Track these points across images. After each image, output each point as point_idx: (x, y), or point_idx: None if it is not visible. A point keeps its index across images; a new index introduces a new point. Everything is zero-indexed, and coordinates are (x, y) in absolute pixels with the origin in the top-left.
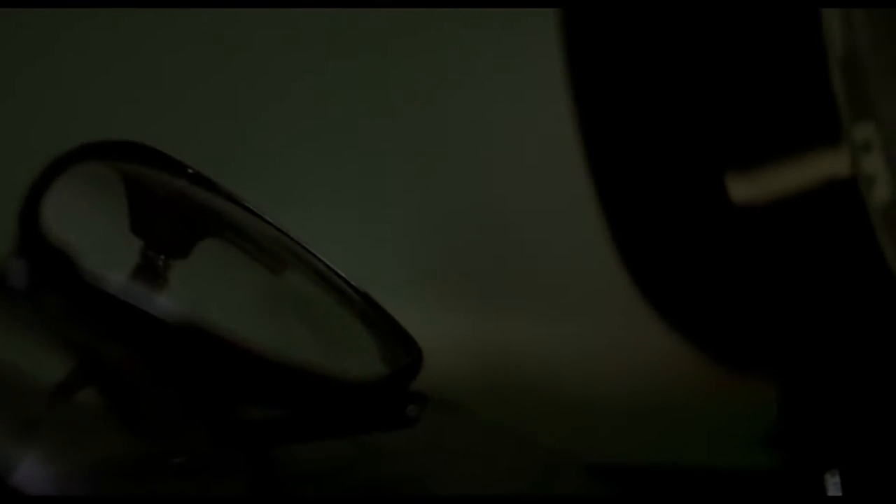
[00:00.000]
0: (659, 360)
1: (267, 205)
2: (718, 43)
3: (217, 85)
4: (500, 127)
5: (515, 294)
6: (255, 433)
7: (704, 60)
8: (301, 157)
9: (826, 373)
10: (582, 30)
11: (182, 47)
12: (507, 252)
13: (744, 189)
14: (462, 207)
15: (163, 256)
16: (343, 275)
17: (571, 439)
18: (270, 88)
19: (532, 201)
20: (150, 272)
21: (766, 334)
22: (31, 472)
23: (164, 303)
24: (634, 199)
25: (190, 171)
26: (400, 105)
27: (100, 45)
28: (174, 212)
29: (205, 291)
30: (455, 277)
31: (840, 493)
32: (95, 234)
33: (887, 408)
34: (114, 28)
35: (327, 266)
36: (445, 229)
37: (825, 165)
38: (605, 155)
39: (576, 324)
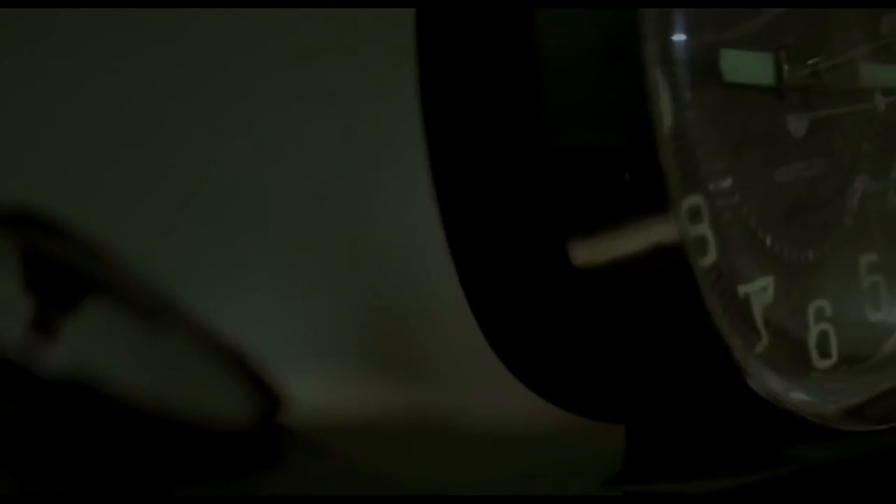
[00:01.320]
0: (523, 412)
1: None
2: (561, 128)
3: (129, 165)
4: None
5: (404, 362)
6: (132, 479)
7: (547, 140)
8: (221, 237)
9: (668, 420)
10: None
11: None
12: (400, 328)
13: (585, 253)
14: (375, 290)
15: (54, 313)
16: (218, 329)
17: (440, 478)
18: (193, 167)
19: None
20: (42, 328)
21: (613, 385)
22: None
23: (53, 357)
24: (486, 266)
25: (78, 236)
26: (315, 194)
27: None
28: (64, 272)
29: (91, 345)
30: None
31: None
32: None
33: (721, 449)
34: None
35: (204, 322)
36: (357, 310)
37: (656, 232)
38: (458, 226)
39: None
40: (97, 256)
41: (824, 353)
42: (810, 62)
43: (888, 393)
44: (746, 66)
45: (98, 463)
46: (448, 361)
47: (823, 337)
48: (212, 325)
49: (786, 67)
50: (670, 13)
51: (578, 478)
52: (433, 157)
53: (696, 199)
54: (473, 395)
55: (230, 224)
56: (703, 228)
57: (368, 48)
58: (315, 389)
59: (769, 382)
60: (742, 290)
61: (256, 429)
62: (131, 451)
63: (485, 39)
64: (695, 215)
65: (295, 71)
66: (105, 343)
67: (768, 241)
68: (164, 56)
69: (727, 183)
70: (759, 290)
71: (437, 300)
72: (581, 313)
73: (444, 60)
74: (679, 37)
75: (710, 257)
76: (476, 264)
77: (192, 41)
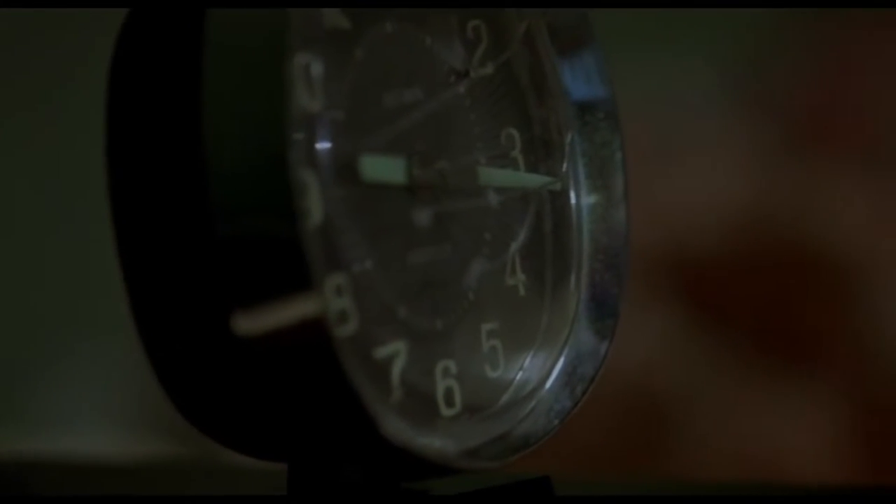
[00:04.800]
0: None
1: None
2: (226, 219)
3: None
4: None
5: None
6: None
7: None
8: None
9: (320, 461)
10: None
11: None
12: None
13: (245, 325)
14: None
15: None
16: None
17: None
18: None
19: None
20: None
21: (274, 431)
22: None
23: None
24: (166, 336)
25: None
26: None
27: None
28: None
29: None
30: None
31: None
32: None
33: (366, 485)
34: None
35: None
36: None
37: (305, 306)
38: (142, 301)
39: None
40: None
41: (450, 404)
42: (437, 165)
43: (502, 436)
44: (382, 168)
45: None
46: None
47: (449, 391)
48: None
49: (416, 170)
50: (316, 124)
51: None
52: (120, 245)
53: (339, 278)
54: None
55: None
56: (345, 302)
57: None
58: (104, 443)
59: (400, 430)
60: (378, 352)
61: None
62: None
63: (161, 150)
64: (339, 291)
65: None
66: None
67: (402, 312)
68: None
69: (368, 264)
70: (393, 353)
71: None
72: (244, 372)
73: (127, 167)
74: (323, 144)
75: (350, 326)
76: (157, 336)
77: None
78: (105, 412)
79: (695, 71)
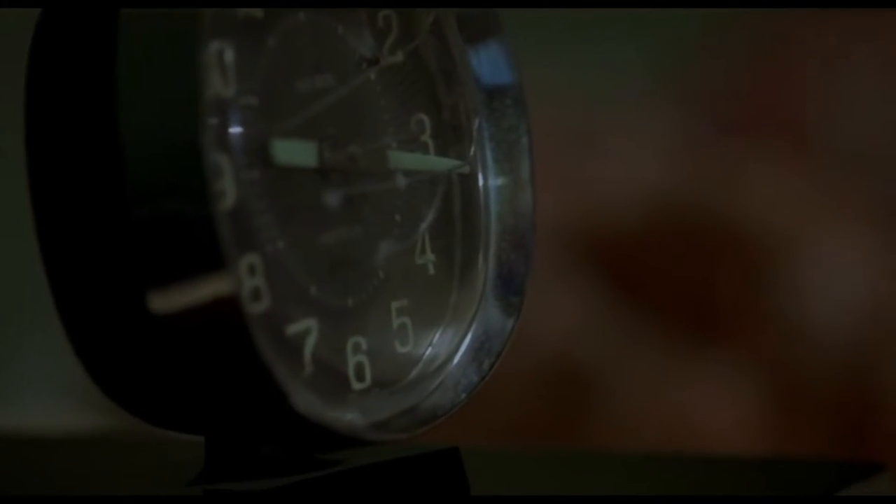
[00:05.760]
0: None
1: None
2: (141, 201)
3: None
4: None
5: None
6: None
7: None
8: None
9: (237, 433)
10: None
11: None
12: None
13: (161, 303)
14: None
15: None
16: None
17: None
18: None
19: None
20: None
21: (191, 405)
22: None
23: None
24: (84, 315)
25: None
26: None
27: None
28: None
29: None
30: None
31: None
32: None
33: (281, 455)
34: None
35: None
36: None
37: (219, 284)
38: (61, 281)
39: None
40: None
41: (360, 379)
42: (348, 149)
43: (411, 409)
44: (294, 152)
45: None
46: None
47: (360, 366)
48: None
49: (327, 153)
50: (229, 109)
51: (172, 479)
52: (39, 228)
53: (252, 258)
54: None
55: None
56: (258, 281)
57: None
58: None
59: (311, 404)
60: (290, 330)
61: None
62: None
63: (78, 136)
64: (251, 271)
65: None
66: None
67: (313, 291)
68: None
69: (280, 245)
70: (305, 330)
71: None
72: (160, 349)
73: (47, 153)
74: (237, 129)
75: (263, 304)
76: (75, 314)
77: None
78: (52, 389)
79: (626, 59)
